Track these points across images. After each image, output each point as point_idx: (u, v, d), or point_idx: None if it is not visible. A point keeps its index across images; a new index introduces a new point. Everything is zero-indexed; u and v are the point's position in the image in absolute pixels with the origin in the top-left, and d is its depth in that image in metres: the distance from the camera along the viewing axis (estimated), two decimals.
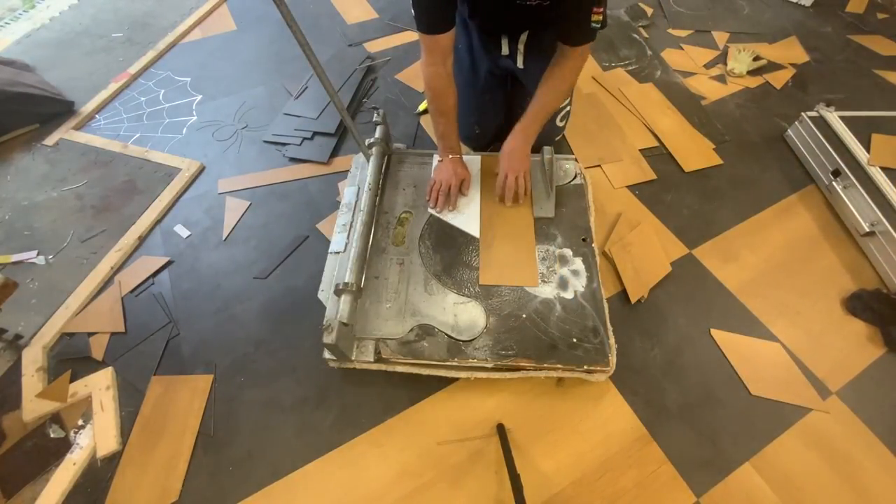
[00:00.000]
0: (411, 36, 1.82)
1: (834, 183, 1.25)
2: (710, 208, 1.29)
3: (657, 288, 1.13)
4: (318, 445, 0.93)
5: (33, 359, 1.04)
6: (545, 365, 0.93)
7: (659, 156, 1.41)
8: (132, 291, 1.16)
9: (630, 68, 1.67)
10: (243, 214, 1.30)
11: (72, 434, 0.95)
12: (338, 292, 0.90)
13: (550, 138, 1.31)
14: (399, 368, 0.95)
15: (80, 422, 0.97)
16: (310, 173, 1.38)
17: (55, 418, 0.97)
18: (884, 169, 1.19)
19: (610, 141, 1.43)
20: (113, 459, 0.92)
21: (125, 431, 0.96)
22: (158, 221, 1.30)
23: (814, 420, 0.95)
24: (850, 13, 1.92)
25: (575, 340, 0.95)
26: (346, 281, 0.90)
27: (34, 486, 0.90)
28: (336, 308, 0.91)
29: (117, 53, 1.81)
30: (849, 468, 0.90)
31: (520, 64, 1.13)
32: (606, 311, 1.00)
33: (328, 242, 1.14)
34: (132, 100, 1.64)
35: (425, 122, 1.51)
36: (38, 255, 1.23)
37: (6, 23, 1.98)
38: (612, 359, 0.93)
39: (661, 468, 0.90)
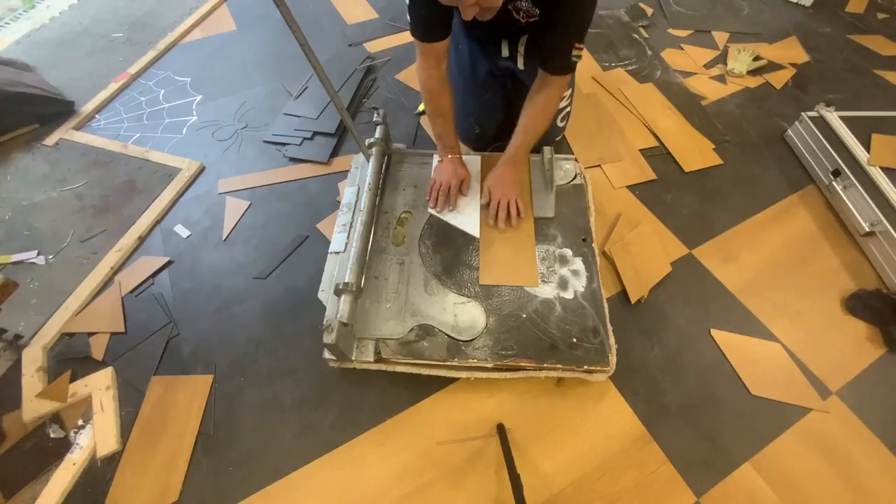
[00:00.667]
0: (411, 36, 1.81)
1: (834, 183, 1.25)
2: (710, 208, 1.29)
3: (657, 288, 1.13)
4: (318, 445, 0.93)
5: (33, 359, 1.04)
6: (545, 365, 0.93)
7: (659, 156, 1.41)
8: (132, 291, 1.16)
9: (630, 68, 1.67)
10: (243, 214, 1.30)
11: (72, 434, 0.95)
12: (338, 292, 0.90)
13: (550, 138, 1.31)
14: (399, 368, 0.95)
15: (80, 422, 0.97)
16: (310, 173, 1.38)
17: (55, 418, 0.97)
18: (884, 169, 1.19)
19: (610, 141, 1.43)
20: (113, 459, 0.92)
21: (125, 431, 0.96)
22: (158, 221, 1.30)
23: (814, 420, 0.95)
24: (850, 13, 1.92)
25: (575, 340, 0.95)
26: (346, 281, 0.90)
27: (34, 486, 0.90)
28: (336, 308, 0.90)
29: (117, 53, 1.81)
30: (849, 468, 0.90)
31: (520, 65, 1.13)
32: (606, 311, 1.00)
33: (328, 242, 1.14)
34: (132, 100, 1.64)
35: (425, 122, 1.51)
36: (38, 255, 1.23)
37: (6, 23, 1.98)
38: (612, 359, 0.93)
39: (661, 468, 0.90)
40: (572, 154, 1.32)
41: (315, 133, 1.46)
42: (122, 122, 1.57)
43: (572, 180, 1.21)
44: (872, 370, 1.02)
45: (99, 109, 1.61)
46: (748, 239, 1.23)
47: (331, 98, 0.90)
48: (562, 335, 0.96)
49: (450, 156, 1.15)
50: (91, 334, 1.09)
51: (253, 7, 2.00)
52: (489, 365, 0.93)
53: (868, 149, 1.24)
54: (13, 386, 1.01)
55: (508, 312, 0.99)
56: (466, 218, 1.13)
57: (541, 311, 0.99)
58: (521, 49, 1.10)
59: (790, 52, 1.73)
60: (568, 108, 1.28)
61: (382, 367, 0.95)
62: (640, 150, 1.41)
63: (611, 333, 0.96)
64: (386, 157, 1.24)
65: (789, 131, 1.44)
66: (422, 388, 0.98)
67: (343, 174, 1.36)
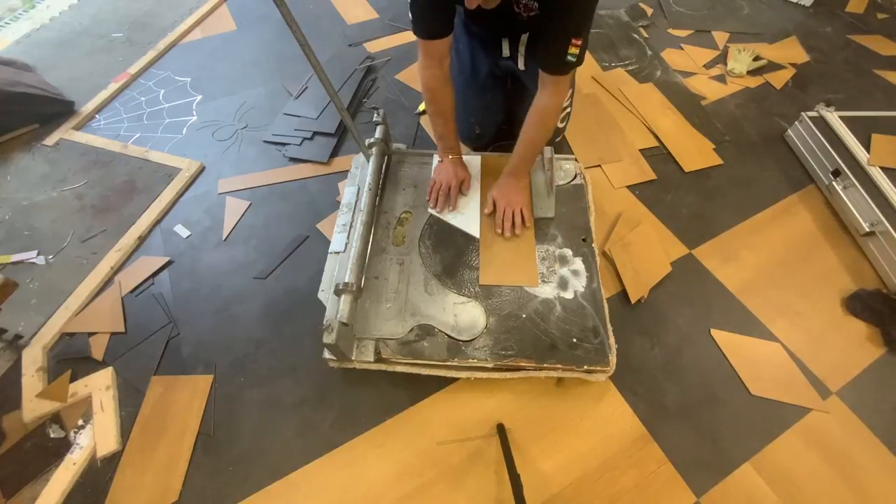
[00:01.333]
0: (411, 36, 1.81)
1: (834, 183, 1.25)
2: (710, 208, 1.29)
3: (657, 288, 1.13)
4: (318, 445, 0.93)
5: (33, 359, 1.04)
6: (545, 365, 0.93)
7: (659, 156, 1.41)
8: (132, 291, 1.16)
9: (630, 68, 1.67)
10: (243, 214, 1.30)
11: (72, 434, 0.95)
12: (338, 292, 0.90)
13: (550, 138, 1.31)
14: (399, 368, 0.95)
15: (80, 422, 0.97)
16: (310, 173, 1.38)
17: (55, 418, 0.97)
18: (884, 169, 1.19)
19: (610, 141, 1.43)
20: (113, 459, 0.92)
21: (125, 431, 0.96)
22: (158, 221, 1.30)
23: (814, 420, 0.95)
24: (850, 13, 1.92)
25: (575, 340, 0.95)
26: (346, 281, 0.90)
27: (34, 486, 0.90)
28: (336, 308, 0.90)
29: (117, 53, 1.81)
30: (849, 468, 0.90)
31: (521, 66, 1.13)
32: (606, 311, 1.00)
33: (328, 242, 1.14)
34: (132, 100, 1.64)
35: (425, 122, 1.51)
36: (38, 255, 1.23)
37: (6, 23, 1.98)
38: (612, 359, 0.93)
39: (661, 468, 0.90)
40: (572, 154, 1.32)
41: (315, 133, 1.46)
42: (122, 122, 1.57)
43: (572, 180, 1.21)
44: (872, 370, 1.02)
45: (99, 109, 1.61)
46: (748, 239, 1.23)
47: (331, 98, 0.90)
48: (562, 335, 0.96)
49: (450, 156, 1.15)
50: (91, 334, 1.09)
51: (253, 7, 2.00)
52: (489, 365, 0.93)
53: (868, 149, 1.24)
54: (13, 386, 1.01)
55: (508, 312, 0.99)
56: (466, 218, 1.13)
57: (541, 311, 0.99)
58: (522, 49, 1.10)
59: (790, 52, 1.73)
60: (568, 109, 1.28)
61: (382, 367, 0.95)
62: (640, 150, 1.41)
63: (611, 333, 0.96)
64: (386, 157, 1.24)
65: (789, 131, 1.44)
66: (422, 388, 0.98)
67: (343, 174, 1.36)
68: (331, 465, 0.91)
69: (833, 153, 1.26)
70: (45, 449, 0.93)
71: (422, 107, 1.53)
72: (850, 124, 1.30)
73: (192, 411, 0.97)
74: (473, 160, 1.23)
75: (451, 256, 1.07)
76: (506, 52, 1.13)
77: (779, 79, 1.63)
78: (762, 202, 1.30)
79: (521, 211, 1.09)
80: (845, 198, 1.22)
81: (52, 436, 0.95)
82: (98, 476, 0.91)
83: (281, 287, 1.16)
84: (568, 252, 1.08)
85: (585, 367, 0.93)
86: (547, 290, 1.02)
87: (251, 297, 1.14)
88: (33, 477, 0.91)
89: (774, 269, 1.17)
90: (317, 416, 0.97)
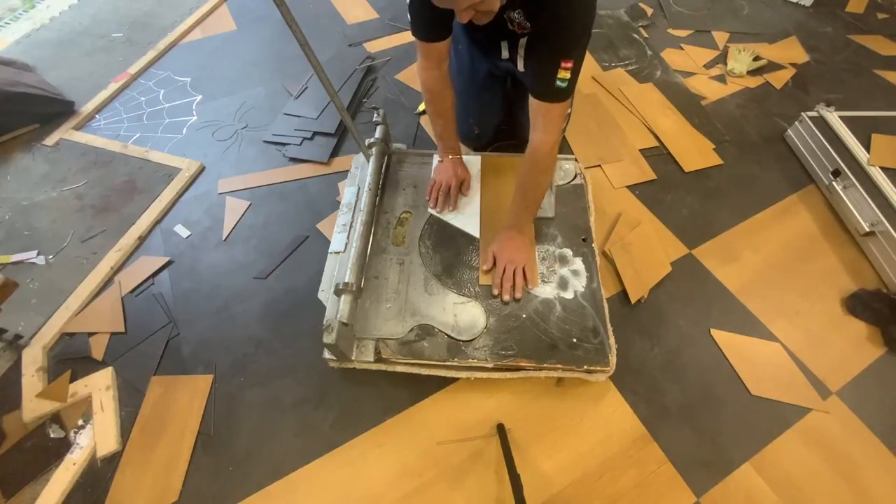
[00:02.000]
0: (411, 36, 1.78)
1: (834, 183, 1.25)
2: (710, 208, 1.29)
3: (657, 288, 1.13)
4: (318, 445, 0.93)
5: (33, 359, 1.04)
6: (545, 365, 0.93)
7: (659, 156, 1.41)
8: (132, 291, 1.16)
9: (630, 68, 1.67)
10: (243, 214, 1.30)
11: (72, 434, 0.95)
12: (338, 292, 0.90)
13: None
14: (399, 368, 0.95)
15: (80, 422, 0.97)
16: (310, 173, 1.38)
17: (55, 418, 0.97)
18: (884, 169, 1.19)
19: (610, 141, 1.43)
20: (113, 459, 0.92)
21: (125, 431, 0.96)
22: (158, 221, 1.30)
23: (814, 420, 0.95)
24: (850, 13, 1.92)
25: (575, 340, 0.95)
26: (346, 281, 0.90)
27: (34, 486, 0.90)
28: (336, 308, 0.90)
29: (117, 53, 1.81)
30: (849, 468, 0.90)
31: (520, 67, 1.12)
32: (606, 311, 1.00)
33: (328, 242, 1.14)
34: (132, 100, 1.64)
35: (425, 122, 1.51)
36: (38, 255, 1.23)
37: (6, 23, 1.98)
38: (612, 359, 0.93)
39: (661, 468, 0.90)
40: (572, 154, 1.32)
41: (315, 133, 1.46)
42: (122, 122, 1.57)
43: (572, 180, 1.21)
44: (872, 370, 1.02)
45: (99, 109, 1.61)
46: (748, 239, 1.23)
47: (331, 98, 0.90)
48: (562, 335, 0.96)
49: (450, 156, 1.14)
50: (91, 334, 1.09)
51: (253, 7, 2.00)
52: (489, 365, 0.93)
53: (868, 149, 1.24)
54: (13, 386, 1.01)
55: (508, 312, 0.99)
56: (466, 218, 1.13)
57: (541, 311, 0.99)
58: (521, 51, 1.10)
59: (790, 52, 1.73)
60: (568, 111, 1.27)
61: (382, 367, 0.95)
62: (640, 150, 1.41)
63: (611, 333, 0.96)
64: (386, 157, 1.24)
65: (789, 131, 1.44)
66: (422, 388, 0.98)
67: (343, 174, 1.36)
68: (331, 465, 0.91)
69: (833, 153, 1.26)
70: (45, 449, 0.93)
71: (422, 107, 1.53)
72: (850, 124, 1.30)
73: (192, 411, 0.97)
74: (473, 160, 1.23)
75: (451, 256, 1.07)
76: (505, 54, 1.12)
77: (779, 79, 1.63)
78: (762, 202, 1.30)
79: (524, 270, 1.00)
80: (845, 198, 1.22)
81: (52, 436, 0.95)
82: (98, 476, 0.91)
83: (281, 287, 1.16)
84: (568, 252, 1.08)
85: (585, 367, 0.93)
86: (547, 290, 1.02)
87: (251, 297, 1.14)
88: (33, 477, 0.91)
89: (774, 269, 1.17)
90: (317, 416, 0.97)
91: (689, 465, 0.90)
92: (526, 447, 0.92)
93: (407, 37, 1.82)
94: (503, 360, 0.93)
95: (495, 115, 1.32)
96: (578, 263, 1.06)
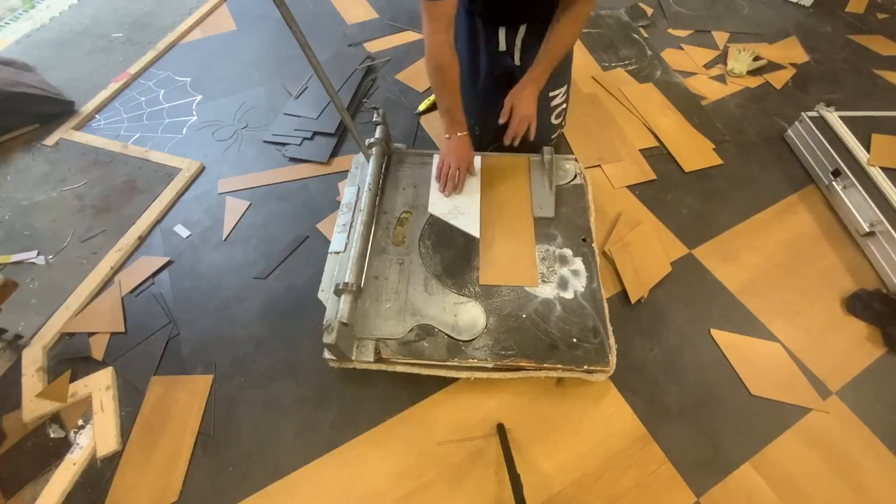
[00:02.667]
0: (411, 36, 1.82)
1: (834, 183, 1.25)
2: (710, 208, 1.29)
3: (657, 288, 1.13)
4: (318, 445, 0.93)
5: (33, 359, 1.04)
6: (545, 365, 0.93)
7: (659, 156, 1.41)
8: (132, 291, 1.16)
9: (630, 68, 1.67)
10: (243, 214, 1.30)
11: (72, 434, 0.95)
12: (338, 292, 0.90)
13: (547, 136, 1.31)
14: (399, 368, 0.95)
15: (80, 422, 0.97)
16: (310, 173, 1.38)
17: (55, 418, 0.97)
18: (884, 169, 1.19)
19: (610, 141, 1.43)
20: (113, 459, 0.92)
21: (125, 431, 0.96)
22: (158, 221, 1.30)
23: (814, 420, 0.95)
24: (850, 13, 1.92)
25: (575, 340, 0.95)
26: (346, 281, 0.90)
27: (34, 486, 0.90)
28: (336, 308, 0.90)
29: (117, 53, 1.81)
30: (849, 468, 0.90)
31: (517, 61, 1.13)
32: (606, 311, 1.00)
33: (328, 242, 1.14)
34: (132, 100, 1.64)
35: (425, 122, 1.51)
36: (38, 255, 1.23)
37: (6, 23, 1.98)
38: (612, 359, 0.93)
39: (661, 468, 0.90)
40: (572, 154, 1.32)
41: (315, 133, 1.46)
42: (122, 122, 1.57)
43: (572, 180, 1.21)
44: (872, 370, 1.02)
45: (99, 109, 1.61)
46: (748, 239, 1.23)
47: (331, 98, 0.90)
48: (562, 335, 0.96)
49: (458, 133, 1.12)
50: (91, 334, 1.09)
51: (253, 7, 2.00)
52: (489, 365, 0.93)
53: (868, 149, 1.24)
54: (13, 386, 1.01)
55: (508, 312, 0.99)
56: (466, 218, 1.13)
57: (541, 311, 0.99)
58: (519, 43, 1.10)
59: (790, 52, 1.73)
60: (564, 105, 1.28)
61: (382, 367, 0.95)
62: (640, 150, 1.41)
63: (611, 333, 0.96)
64: (386, 157, 1.24)
65: (789, 131, 1.44)
66: (422, 388, 0.98)
67: (343, 174, 1.36)
68: (331, 465, 0.91)
69: (833, 153, 1.26)
70: (45, 449, 0.93)
71: (421, 107, 1.53)
72: (850, 124, 1.30)
73: (192, 411, 0.97)
74: (473, 160, 1.23)
75: (451, 256, 1.07)
76: (502, 45, 1.12)
77: (779, 79, 1.63)
78: (762, 202, 1.30)
79: (531, 121, 1.09)
80: (845, 198, 1.22)
81: (52, 436, 0.95)
82: (98, 476, 0.91)
83: (281, 287, 1.16)
84: (568, 252, 1.08)
85: (585, 367, 0.93)
86: (547, 290, 1.02)
87: (251, 296, 1.14)
88: (33, 477, 0.91)
89: (774, 269, 1.17)
90: (317, 416, 0.97)
91: (689, 465, 0.90)
92: (526, 447, 0.92)
93: (407, 37, 1.82)
94: (503, 360, 0.93)
95: (495, 115, 1.32)
96: (578, 263, 1.06)
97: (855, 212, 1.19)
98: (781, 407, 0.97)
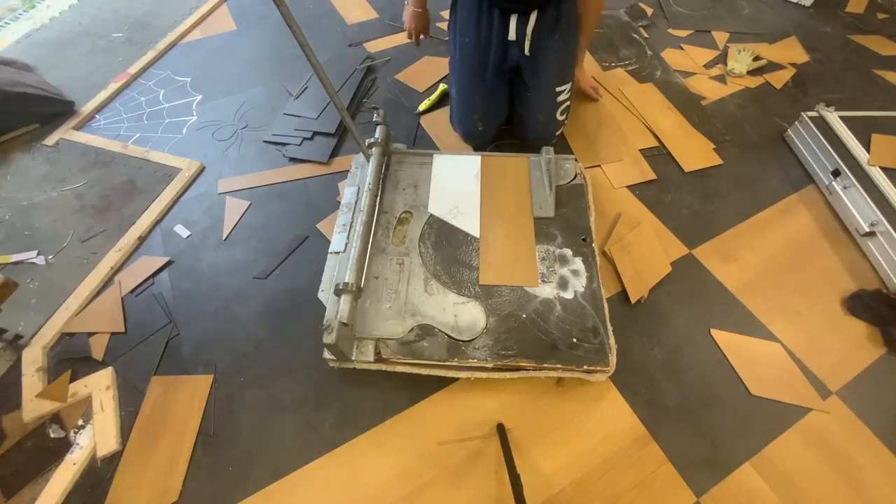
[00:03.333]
0: None
1: (834, 183, 1.25)
2: (710, 208, 1.29)
3: (657, 288, 1.13)
4: (318, 445, 0.93)
5: (33, 359, 1.04)
6: (545, 365, 0.93)
7: (659, 156, 1.41)
8: (132, 291, 1.16)
9: (630, 68, 1.67)
10: (243, 214, 1.30)
11: (72, 434, 0.95)
12: (338, 292, 0.90)
13: (551, 132, 1.32)
14: (399, 368, 0.95)
15: (80, 422, 0.97)
16: (310, 173, 1.38)
17: (55, 418, 0.97)
18: (884, 169, 1.19)
19: (610, 141, 1.43)
20: (113, 459, 0.92)
21: (125, 431, 0.96)
22: (158, 221, 1.30)
23: (814, 420, 0.95)
24: (850, 13, 1.92)
25: (575, 340, 0.95)
26: (346, 281, 0.90)
27: (34, 486, 0.90)
28: (336, 308, 0.91)
29: (117, 53, 1.81)
30: (849, 468, 0.90)
31: (527, 50, 1.13)
32: (606, 311, 1.00)
33: (328, 242, 1.14)
34: (132, 100, 1.64)
35: (425, 122, 1.51)
36: (38, 255, 1.23)
37: (6, 23, 1.98)
38: (612, 359, 0.93)
39: (661, 468, 0.90)
40: (572, 154, 1.32)
41: (315, 133, 1.46)
42: (122, 122, 1.57)
43: (572, 180, 1.21)
44: (872, 370, 1.02)
45: (99, 109, 1.61)
46: (748, 239, 1.23)
47: (331, 98, 0.90)
48: (562, 335, 0.96)
49: (414, 8, 1.24)
50: (91, 334, 1.09)
51: (253, 7, 2.00)
52: (489, 365, 0.93)
53: (868, 149, 1.24)
54: (13, 386, 1.01)
55: (508, 312, 0.99)
56: (466, 218, 1.13)
57: (541, 311, 0.99)
58: (529, 32, 1.10)
59: (790, 52, 1.73)
60: (568, 102, 1.28)
61: (382, 367, 0.95)
62: (640, 150, 1.41)
63: (611, 333, 0.96)
64: (386, 157, 1.24)
65: (789, 131, 1.44)
66: (422, 388, 0.98)
67: (343, 174, 1.36)
68: (331, 465, 0.91)
69: (833, 153, 1.26)
70: (45, 449, 0.93)
71: (422, 107, 1.53)
72: (850, 124, 1.30)
73: (192, 411, 0.97)
74: (473, 160, 1.24)
75: (451, 256, 1.07)
76: (512, 35, 1.12)
77: (779, 79, 1.63)
78: (762, 202, 1.30)
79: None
80: (845, 198, 1.22)
81: (52, 436, 0.95)
82: (98, 476, 0.91)
83: (281, 287, 1.16)
84: (568, 252, 1.08)
85: (585, 367, 0.93)
86: (547, 290, 1.02)
87: (251, 296, 1.14)
88: (33, 477, 0.91)
89: (774, 269, 1.17)
90: (317, 416, 0.97)
91: (689, 465, 0.90)
92: (526, 447, 0.92)
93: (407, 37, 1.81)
94: (503, 360, 0.93)
95: (499, 112, 1.33)
96: (578, 263, 1.06)
97: (855, 212, 1.19)
98: (781, 407, 0.97)
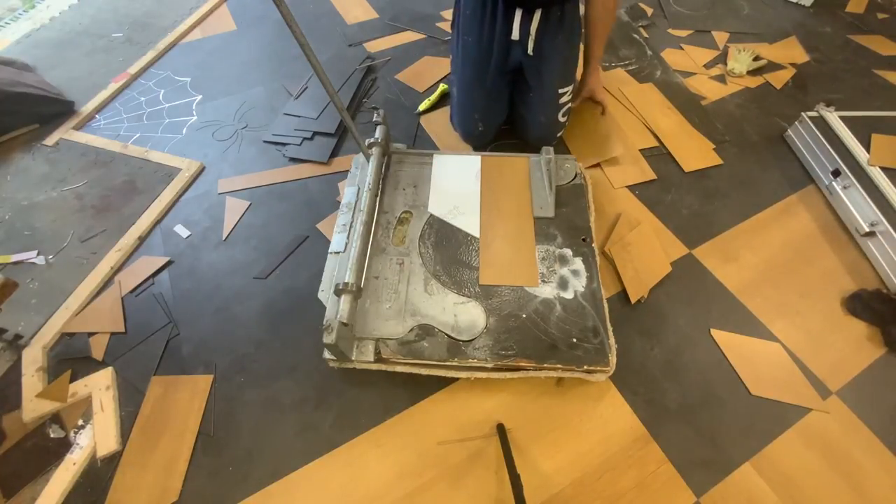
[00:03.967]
0: (411, 36, 1.82)
1: (834, 183, 1.25)
2: (710, 208, 1.29)
3: (657, 288, 1.13)
4: (318, 445, 0.93)
5: (33, 359, 1.04)
6: (545, 365, 0.93)
7: (659, 156, 1.41)
8: (132, 291, 1.16)
9: (630, 68, 1.67)
10: (243, 214, 1.30)
11: (72, 434, 0.95)
12: (338, 292, 0.90)
13: (552, 134, 1.32)
14: (399, 368, 0.95)
15: (80, 422, 0.97)
16: (310, 173, 1.38)
17: (55, 418, 0.97)
18: (884, 169, 1.19)
19: (610, 141, 1.43)
20: (113, 459, 0.92)
21: (125, 431, 0.96)
22: (158, 221, 1.30)
23: (814, 420, 0.95)
24: (850, 13, 1.92)
25: (575, 340, 0.95)
26: (346, 281, 0.90)
27: (34, 486, 0.90)
28: (336, 308, 0.91)
29: (117, 53, 1.81)
30: (849, 468, 0.90)
31: (530, 50, 1.13)
32: (606, 311, 1.00)
33: (328, 242, 1.14)
34: (132, 100, 1.64)
35: (425, 122, 1.51)
36: (38, 255, 1.23)
37: (6, 23, 1.98)
38: (612, 359, 0.93)
39: (661, 468, 0.90)
40: (572, 154, 1.32)
41: (315, 133, 1.46)
42: (122, 122, 1.57)
43: (572, 180, 1.21)
44: (872, 370, 1.02)
45: (99, 109, 1.61)
46: (748, 239, 1.23)
47: (331, 98, 0.90)
48: (562, 335, 0.96)
49: None
50: (91, 334, 1.09)
51: (253, 7, 2.00)
52: (489, 365, 0.93)
53: (868, 149, 1.24)
54: (13, 386, 1.01)
55: (508, 312, 0.99)
56: (466, 218, 1.13)
57: (541, 311, 0.99)
58: (533, 31, 1.10)
59: (790, 52, 1.73)
60: (570, 105, 1.28)
61: (382, 367, 0.95)
62: (640, 150, 1.41)
63: (611, 333, 0.96)
64: (386, 157, 1.24)
65: (789, 131, 1.44)
66: (422, 388, 0.98)
67: (343, 174, 1.36)
68: (331, 465, 0.91)
69: (833, 153, 1.26)
70: (45, 449, 0.93)
71: (422, 107, 1.53)
72: (850, 124, 1.30)
73: (192, 411, 0.97)
74: (473, 160, 1.24)
75: (451, 256, 1.07)
76: (515, 33, 1.12)
77: (779, 79, 1.63)
78: (762, 202, 1.30)
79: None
80: (845, 198, 1.22)
81: (52, 436, 0.95)
82: (98, 476, 0.91)
83: (281, 287, 1.16)
84: (568, 252, 1.08)
85: (585, 367, 0.93)
86: (547, 290, 1.02)
87: (251, 297, 1.14)
88: (33, 477, 0.91)
89: (774, 269, 1.17)
90: (317, 416, 0.97)
91: (689, 465, 0.90)
92: (526, 447, 0.92)
93: (407, 37, 1.82)
94: (503, 360, 0.93)
95: (500, 113, 1.33)
96: (578, 263, 1.06)
97: (855, 212, 1.19)
98: (781, 407, 0.97)
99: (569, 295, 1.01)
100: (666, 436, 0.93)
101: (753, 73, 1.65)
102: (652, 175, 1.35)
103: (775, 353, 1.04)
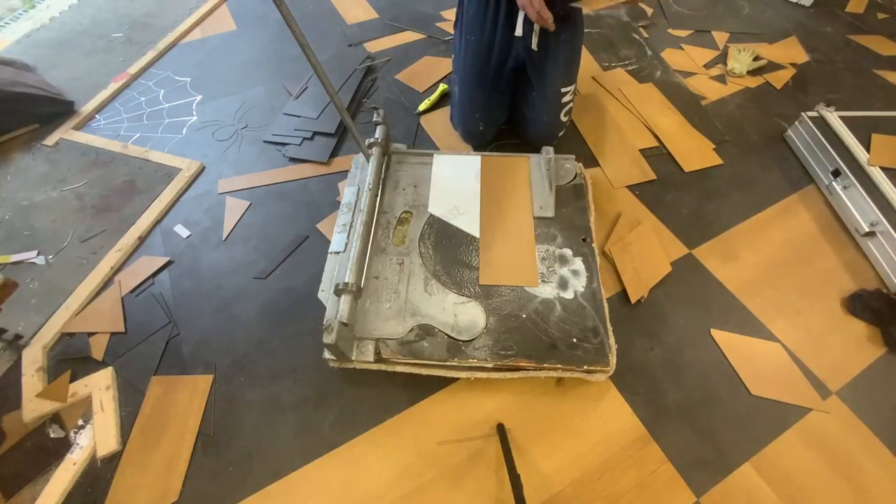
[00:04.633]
0: (411, 36, 1.82)
1: (834, 183, 1.25)
2: (710, 208, 1.29)
3: (657, 288, 1.13)
4: (318, 445, 0.93)
5: (33, 359, 1.04)
6: (545, 365, 0.93)
7: (659, 156, 1.41)
8: (132, 291, 1.16)
9: (630, 68, 1.67)
10: (243, 214, 1.30)
11: (72, 434, 0.95)
12: (338, 292, 0.90)
13: (554, 134, 1.32)
14: (399, 368, 0.95)
15: (80, 422, 0.97)
16: (310, 173, 1.38)
17: (55, 418, 0.97)
18: (884, 169, 1.19)
19: (610, 141, 1.43)
20: (113, 459, 0.92)
21: (125, 431, 0.95)
22: (158, 221, 1.30)
23: (814, 420, 0.95)
24: (850, 13, 1.92)
25: (575, 340, 0.95)
26: (346, 281, 0.90)
27: (34, 486, 0.90)
28: (336, 308, 0.91)
29: (117, 53, 1.81)
30: (849, 468, 0.90)
31: (534, 45, 1.13)
32: (606, 311, 1.00)
33: (328, 242, 1.14)
34: (132, 100, 1.64)
35: (425, 122, 1.51)
36: (38, 255, 1.23)
37: (6, 23, 1.98)
38: (612, 359, 0.93)
39: (661, 468, 0.90)
40: (572, 154, 1.32)
41: (315, 133, 1.46)
42: (122, 122, 1.57)
43: (572, 180, 1.21)
44: (872, 370, 1.02)
45: (99, 109, 1.61)
46: (748, 239, 1.23)
47: (331, 98, 0.90)
48: (562, 335, 0.96)
49: None
50: (91, 334, 1.09)
51: (253, 7, 2.00)
52: (489, 365, 0.93)
53: (868, 149, 1.24)
54: (13, 386, 1.01)
55: (508, 312, 0.99)
56: (466, 218, 1.13)
57: (541, 311, 0.99)
58: (537, 27, 1.10)
59: (790, 52, 1.73)
60: (571, 105, 1.28)
61: (382, 367, 0.95)
62: (640, 150, 1.41)
63: (611, 333, 0.96)
64: (386, 157, 1.24)
65: (789, 131, 1.44)
66: (422, 388, 0.98)
67: (343, 174, 1.36)
68: (331, 465, 0.91)
69: (833, 153, 1.26)
70: (45, 449, 0.93)
71: (422, 107, 1.53)
72: (850, 124, 1.30)
73: (192, 411, 0.97)
74: (473, 160, 1.24)
75: (451, 256, 1.07)
76: (519, 29, 1.12)
77: (779, 79, 1.63)
78: (762, 202, 1.30)
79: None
80: (845, 198, 1.22)
81: (52, 436, 0.95)
82: (98, 476, 0.91)
83: (281, 287, 1.16)
84: (568, 252, 1.08)
85: (585, 367, 0.93)
86: (547, 290, 1.02)
87: (251, 296, 1.14)
88: (33, 477, 0.91)
89: (774, 269, 1.17)
90: (317, 416, 0.97)
91: (689, 465, 0.90)
92: (526, 447, 0.92)
93: (407, 37, 1.82)
94: (503, 360, 0.93)
95: (501, 113, 1.33)
96: (578, 263, 1.06)
97: (855, 212, 1.19)
98: (781, 407, 0.97)
99: (569, 295, 1.01)
100: (666, 436, 0.93)
101: (753, 73, 1.65)
102: (652, 175, 1.35)
103: (775, 352, 1.04)
